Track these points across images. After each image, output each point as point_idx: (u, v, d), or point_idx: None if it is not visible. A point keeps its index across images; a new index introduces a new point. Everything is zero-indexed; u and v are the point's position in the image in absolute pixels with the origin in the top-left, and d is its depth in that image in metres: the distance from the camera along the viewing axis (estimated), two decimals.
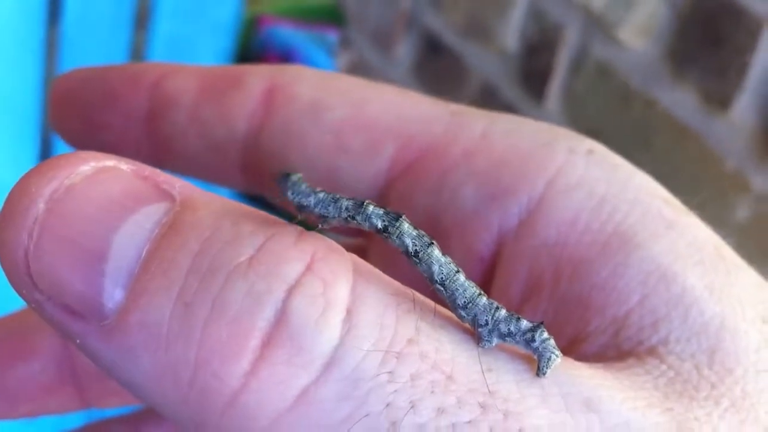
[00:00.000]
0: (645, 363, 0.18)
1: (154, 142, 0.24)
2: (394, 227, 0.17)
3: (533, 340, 0.17)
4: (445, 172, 0.22)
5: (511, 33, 0.84)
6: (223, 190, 0.26)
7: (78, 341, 0.17)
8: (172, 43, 0.99)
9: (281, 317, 0.16)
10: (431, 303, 0.17)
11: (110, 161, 0.17)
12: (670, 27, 0.69)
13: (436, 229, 0.22)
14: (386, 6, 1.00)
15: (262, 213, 0.17)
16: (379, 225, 0.17)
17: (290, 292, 0.16)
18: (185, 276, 0.16)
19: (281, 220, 0.17)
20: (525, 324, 0.17)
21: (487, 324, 0.17)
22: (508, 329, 0.17)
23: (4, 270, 0.17)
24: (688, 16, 0.68)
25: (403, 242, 0.17)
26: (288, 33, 1.34)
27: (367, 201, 0.18)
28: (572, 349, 0.19)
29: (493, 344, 0.17)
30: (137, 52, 1.00)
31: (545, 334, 0.17)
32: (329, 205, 0.18)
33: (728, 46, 0.65)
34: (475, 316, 0.17)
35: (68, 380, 0.25)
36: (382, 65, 1.02)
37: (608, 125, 0.76)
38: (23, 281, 0.17)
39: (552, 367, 0.17)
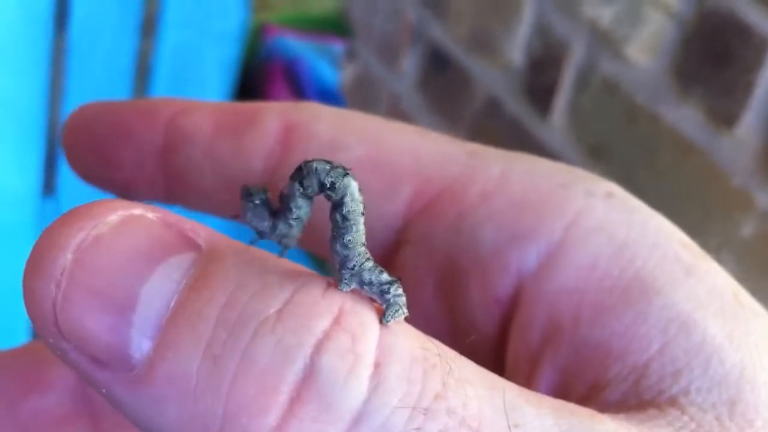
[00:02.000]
0: (667, 414, 0.18)
1: (169, 178, 0.24)
2: (339, 182, 0.17)
3: (387, 292, 0.17)
4: (462, 213, 0.22)
5: (516, 47, 0.84)
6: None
7: (104, 390, 0.17)
8: (178, 51, 1.00)
9: (310, 372, 0.16)
10: (456, 356, 0.17)
11: (137, 209, 0.17)
12: (676, 44, 0.70)
13: (454, 270, 0.22)
14: (392, 19, 1.00)
15: (288, 262, 0.17)
16: (324, 180, 0.17)
17: (319, 346, 0.16)
18: (213, 328, 0.16)
19: (307, 270, 0.17)
20: (385, 277, 0.17)
21: (353, 268, 0.17)
22: (369, 278, 0.17)
23: (31, 319, 0.17)
24: (694, 33, 0.68)
25: (321, 180, 0.17)
26: (293, 43, 1.34)
27: (307, 161, 0.18)
28: (593, 396, 0.19)
29: (351, 288, 0.17)
30: (143, 60, 1.00)
31: (400, 290, 0.17)
32: (282, 226, 0.18)
33: (734, 64, 0.66)
34: (346, 257, 0.17)
35: (83, 413, 0.24)
36: (388, 78, 1.02)
37: (614, 141, 0.76)
38: (50, 331, 0.17)
39: (396, 319, 0.17)
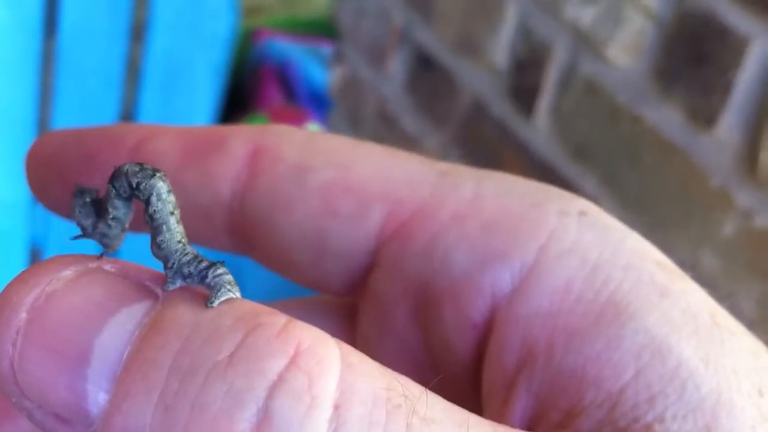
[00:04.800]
0: None
1: (136, 206, 0.24)
2: (145, 185, 0.17)
3: (206, 276, 0.17)
4: (435, 235, 0.21)
5: (501, 50, 0.85)
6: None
7: None
8: (167, 56, 1.00)
9: (264, 417, 0.15)
10: (422, 393, 0.16)
11: (93, 263, 0.17)
12: (656, 45, 0.70)
13: (428, 294, 0.21)
14: (379, 22, 1.01)
15: (249, 303, 0.17)
16: (132, 181, 0.17)
17: (272, 389, 0.15)
18: (166, 377, 0.16)
19: (268, 309, 0.17)
20: (203, 264, 0.17)
21: (172, 266, 0.17)
22: (188, 270, 0.17)
23: None
24: (674, 34, 0.69)
25: (129, 182, 0.17)
26: (283, 46, 1.35)
27: (122, 164, 0.18)
28: (568, 423, 0.19)
29: (177, 286, 0.17)
30: (133, 65, 1.00)
31: (219, 270, 0.17)
32: (101, 226, 0.18)
33: (713, 64, 0.66)
34: (166, 256, 0.17)
35: None
36: (375, 80, 1.03)
37: (596, 141, 0.77)
38: (12, 390, 0.17)
39: (222, 299, 0.17)
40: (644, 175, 0.72)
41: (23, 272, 0.17)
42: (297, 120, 1.30)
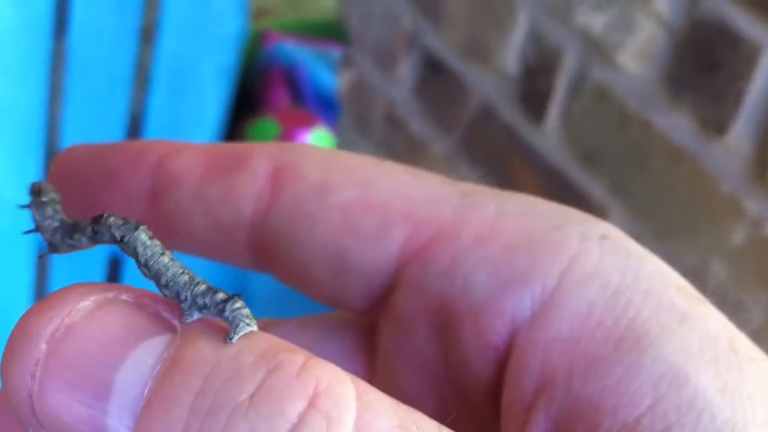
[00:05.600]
0: None
1: (157, 221, 0.24)
2: (128, 236, 0.18)
3: (224, 310, 0.17)
4: (456, 257, 0.21)
5: (511, 55, 0.84)
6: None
7: None
8: (176, 58, 1.00)
9: None
10: (437, 429, 0.17)
11: (110, 292, 0.17)
12: (667, 52, 0.70)
13: (448, 314, 0.22)
14: (388, 26, 1.01)
15: (267, 338, 0.17)
16: (115, 234, 0.18)
17: (293, 431, 0.16)
18: (187, 416, 0.16)
19: (289, 346, 0.17)
20: (220, 296, 0.17)
21: (186, 299, 0.17)
22: (204, 302, 0.17)
23: (12, 409, 0.17)
24: (685, 41, 0.69)
25: (112, 234, 0.18)
26: (292, 49, 1.35)
27: (107, 214, 0.18)
28: None
29: (194, 318, 0.17)
30: (142, 66, 1.01)
31: (238, 304, 0.17)
32: (67, 233, 0.18)
33: (725, 71, 0.66)
34: (177, 292, 0.17)
35: None
36: (384, 84, 1.03)
37: (605, 148, 0.77)
38: (30, 421, 0.17)
39: (241, 334, 0.17)
40: (653, 182, 0.72)
41: (41, 302, 0.17)
42: (304, 123, 1.30)
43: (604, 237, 0.21)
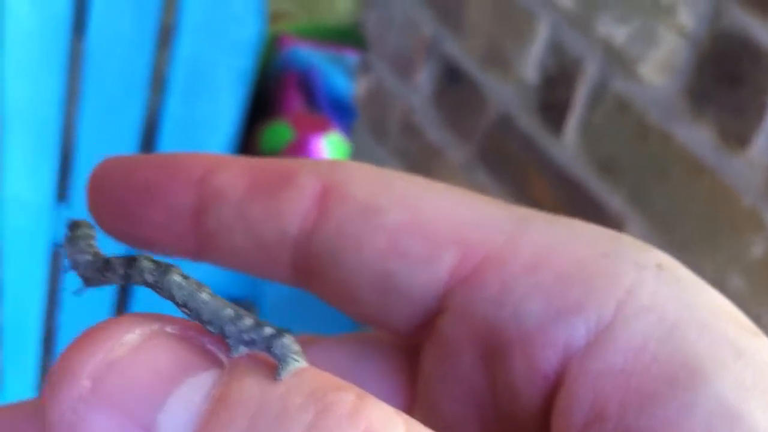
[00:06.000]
0: None
1: (199, 236, 0.23)
2: (163, 278, 0.17)
3: (272, 346, 0.17)
4: (507, 283, 0.21)
5: (530, 64, 0.84)
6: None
7: None
8: (193, 61, 1.00)
9: None
10: None
11: (155, 324, 0.17)
12: (689, 64, 0.70)
13: (497, 341, 0.21)
14: (406, 32, 1.01)
15: (317, 375, 0.17)
16: (147, 279, 0.17)
17: None
18: None
19: (340, 383, 0.16)
20: (267, 331, 0.17)
21: (231, 336, 0.17)
22: (251, 337, 0.17)
23: None
24: (708, 54, 0.69)
25: (145, 279, 0.17)
26: (308, 53, 1.35)
27: (139, 257, 0.18)
28: None
29: (241, 352, 0.17)
30: (159, 69, 1.01)
31: (286, 340, 0.17)
32: (99, 268, 0.18)
33: (747, 85, 0.66)
34: (221, 328, 0.17)
35: None
36: (401, 91, 1.03)
37: (625, 159, 0.76)
38: None
39: (290, 371, 0.16)
40: (673, 194, 0.72)
41: (83, 336, 0.17)
42: (319, 128, 1.30)
43: (659, 267, 0.20)
